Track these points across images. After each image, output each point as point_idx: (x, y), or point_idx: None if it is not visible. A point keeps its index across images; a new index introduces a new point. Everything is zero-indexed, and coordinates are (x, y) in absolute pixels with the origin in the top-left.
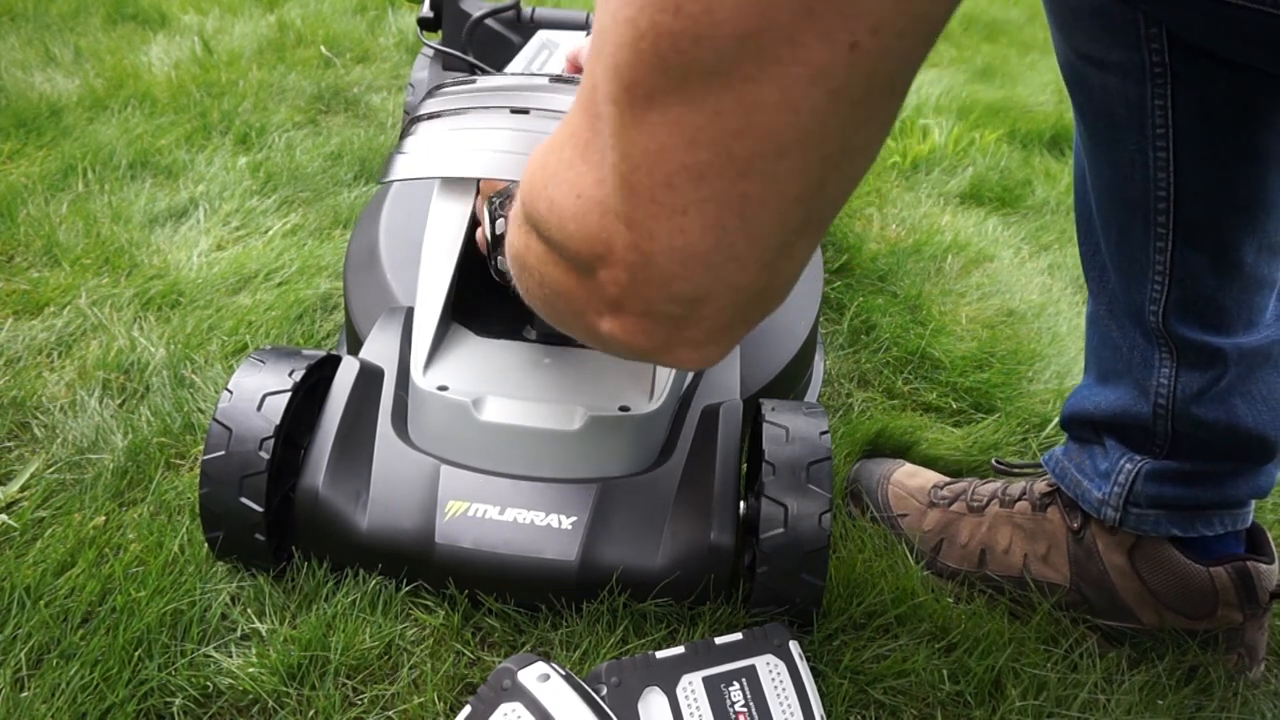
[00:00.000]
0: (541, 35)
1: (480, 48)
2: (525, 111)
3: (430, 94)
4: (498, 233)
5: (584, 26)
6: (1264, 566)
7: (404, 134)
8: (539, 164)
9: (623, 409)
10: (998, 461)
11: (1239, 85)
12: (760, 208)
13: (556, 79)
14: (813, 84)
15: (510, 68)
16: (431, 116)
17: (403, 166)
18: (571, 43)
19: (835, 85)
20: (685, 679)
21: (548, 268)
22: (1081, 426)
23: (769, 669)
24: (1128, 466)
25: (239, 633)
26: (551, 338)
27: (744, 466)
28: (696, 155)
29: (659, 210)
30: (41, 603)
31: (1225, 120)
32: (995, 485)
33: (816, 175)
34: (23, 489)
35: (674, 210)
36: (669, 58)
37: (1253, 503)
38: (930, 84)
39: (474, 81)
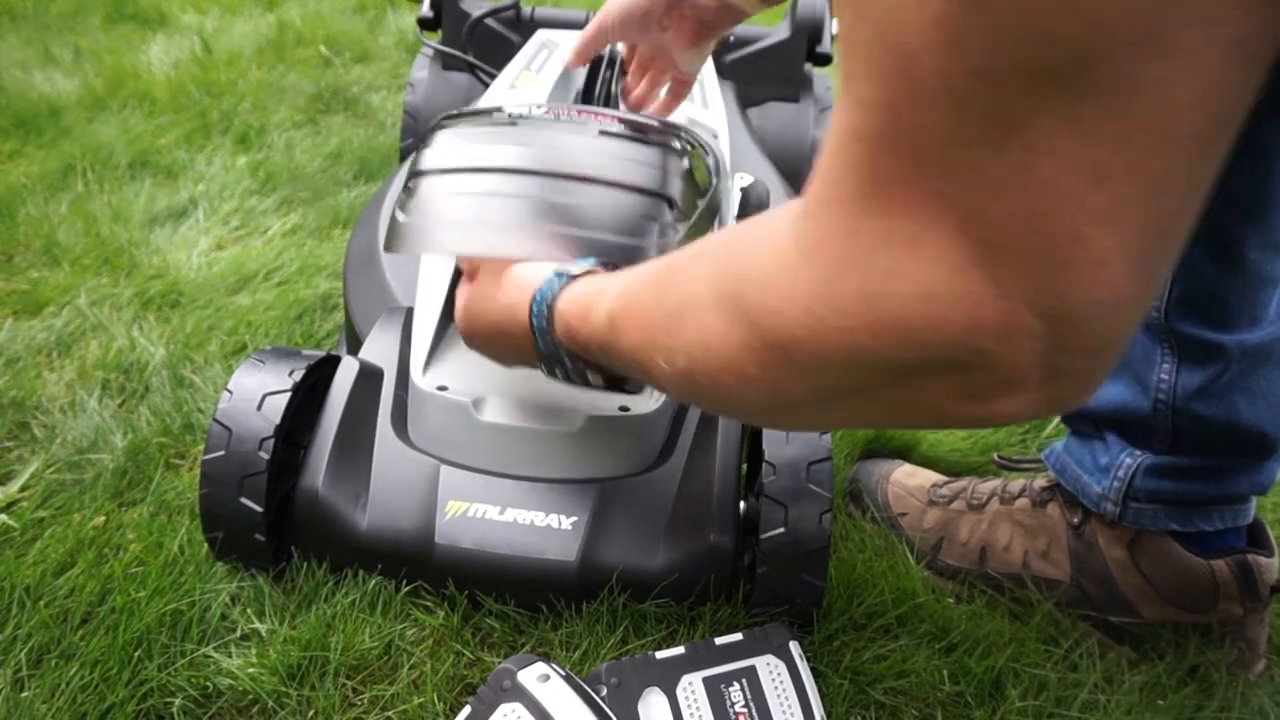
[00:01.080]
0: (541, 35)
1: (480, 47)
2: (563, 177)
3: (440, 127)
4: (604, 385)
5: (583, 26)
6: (1264, 560)
7: (410, 186)
8: (803, 296)
9: (622, 409)
10: (999, 457)
11: None
12: (1179, 219)
13: (606, 132)
14: (1232, 60)
15: (508, 69)
16: (447, 171)
17: (415, 237)
18: (571, 42)
19: (1252, 49)
20: (685, 679)
21: (859, 381)
22: (1081, 421)
23: (769, 669)
24: (1128, 461)
25: (239, 633)
26: None
27: (744, 466)
28: (1108, 193)
29: (1070, 272)
30: (41, 603)
31: None
32: (995, 483)
33: (1219, 159)
34: (22, 489)
35: (1092, 263)
36: (1045, 86)
37: (1253, 499)
38: None
39: (489, 115)
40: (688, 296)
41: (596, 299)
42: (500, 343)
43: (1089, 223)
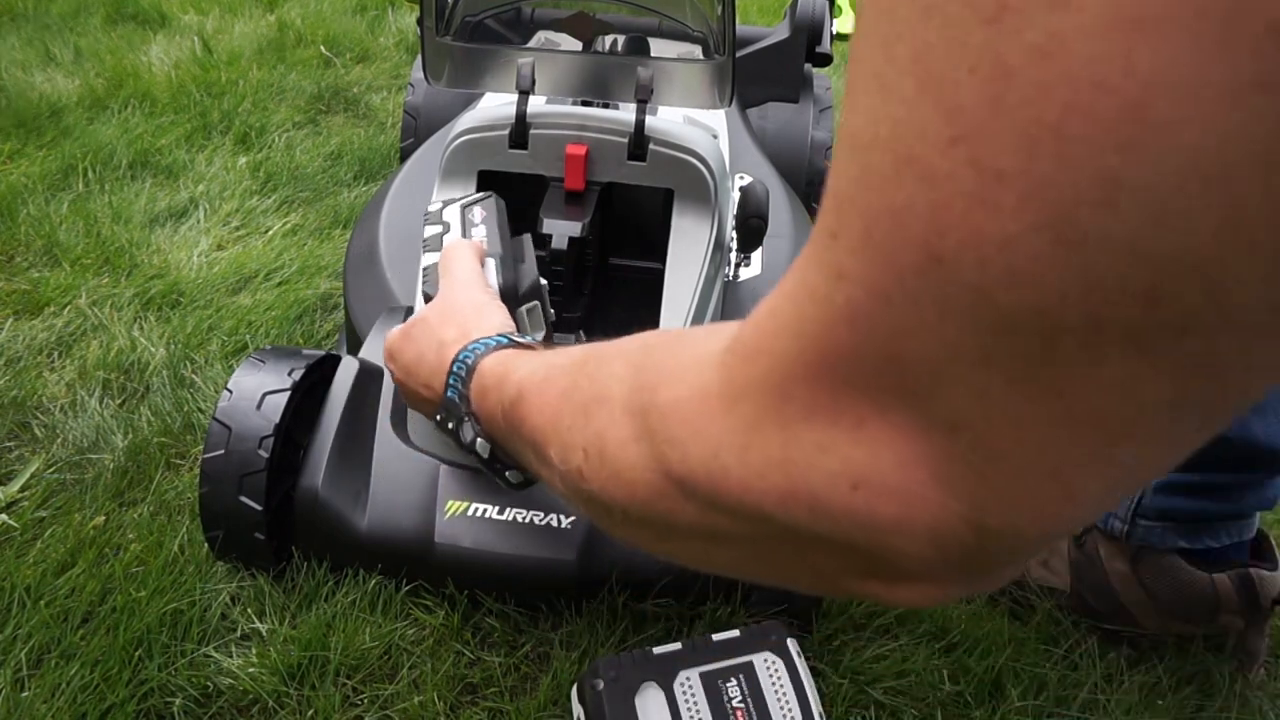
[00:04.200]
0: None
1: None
2: None
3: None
4: (484, 456)
5: (580, 23)
6: (1266, 573)
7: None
8: (714, 440)
9: None
10: None
11: None
12: (1175, 462)
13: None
14: None
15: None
16: None
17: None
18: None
19: None
20: (682, 675)
21: (751, 532)
22: None
23: (766, 665)
24: None
25: (239, 633)
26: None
27: None
28: (1121, 450)
29: (1034, 502)
30: (42, 603)
31: None
32: None
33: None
34: (23, 489)
35: (1056, 500)
36: (1114, 341)
37: (1258, 513)
38: None
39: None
40: (600, 394)
41: (515, 367)
42: (415, 372)
43: (1081, 467)
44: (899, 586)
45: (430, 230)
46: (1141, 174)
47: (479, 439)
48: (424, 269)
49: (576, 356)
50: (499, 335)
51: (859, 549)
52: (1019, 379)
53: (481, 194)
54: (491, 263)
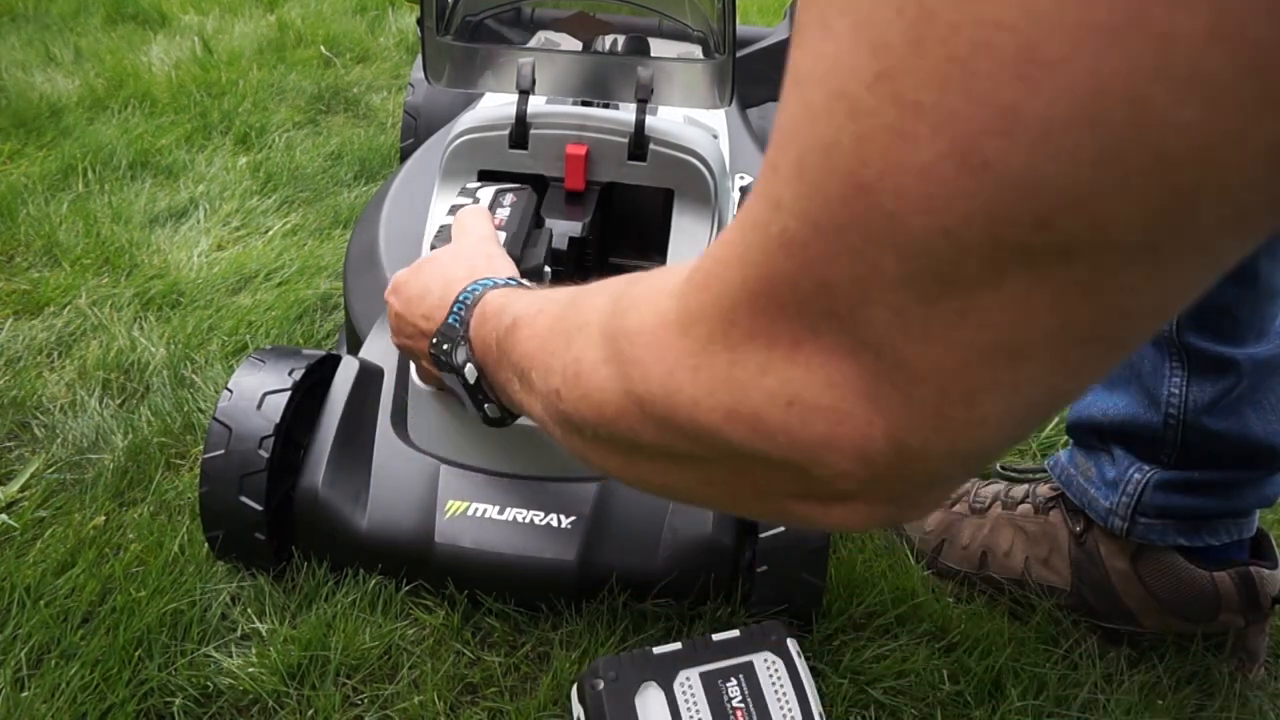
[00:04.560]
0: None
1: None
2: None
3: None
4: (470, 380)
5: (580, 23)
6: (1267, 572)
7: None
8: (670, 361)
9: None
10: (1002, 466)
11: None
12: (1076, 396)
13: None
14: (1214, 272)
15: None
16: None
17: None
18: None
19: (1238, 258)
20: (682, 674)
21: (713, 466)
22: (1088, 433)
23: (766, 665)
24: (1136, 476)
25: (239, 633)
26: None
27: None
28: (1019, 371)
29: (945, 424)
30: (42, 603)
31: None
32: (998, 487)
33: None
34: (23, 489)
35: (968, 423)
36: (1010, 263)
37: (1257, 511)
38: None
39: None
40: (582, 322)
41: (515, 300)
42: (418, 303)
43: (987, 389)
44: (833, 507)
45: (460, 200)
46: (1035, 107)
47: (469, 364)
48: (440, 227)
49: (571, 291)
50: (508, 279)
51: (794, 466)
52: (931, 299)
53: (519, 185)
54: (503, 234)
